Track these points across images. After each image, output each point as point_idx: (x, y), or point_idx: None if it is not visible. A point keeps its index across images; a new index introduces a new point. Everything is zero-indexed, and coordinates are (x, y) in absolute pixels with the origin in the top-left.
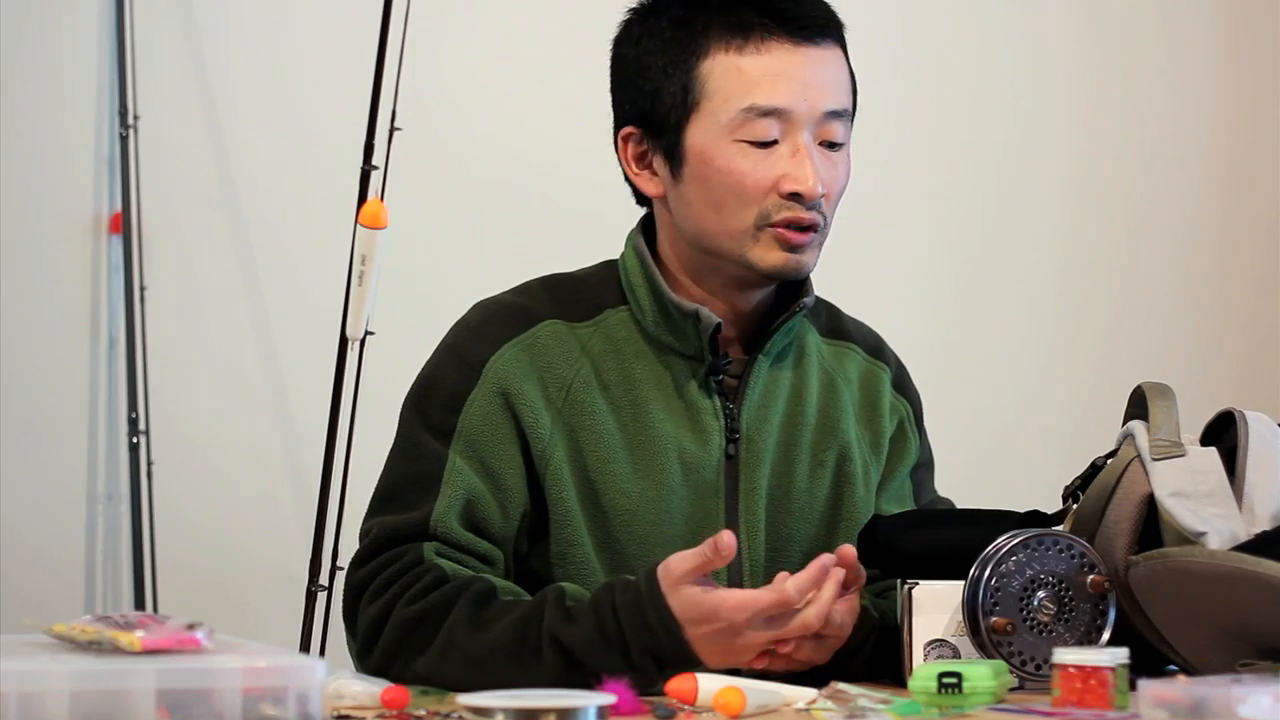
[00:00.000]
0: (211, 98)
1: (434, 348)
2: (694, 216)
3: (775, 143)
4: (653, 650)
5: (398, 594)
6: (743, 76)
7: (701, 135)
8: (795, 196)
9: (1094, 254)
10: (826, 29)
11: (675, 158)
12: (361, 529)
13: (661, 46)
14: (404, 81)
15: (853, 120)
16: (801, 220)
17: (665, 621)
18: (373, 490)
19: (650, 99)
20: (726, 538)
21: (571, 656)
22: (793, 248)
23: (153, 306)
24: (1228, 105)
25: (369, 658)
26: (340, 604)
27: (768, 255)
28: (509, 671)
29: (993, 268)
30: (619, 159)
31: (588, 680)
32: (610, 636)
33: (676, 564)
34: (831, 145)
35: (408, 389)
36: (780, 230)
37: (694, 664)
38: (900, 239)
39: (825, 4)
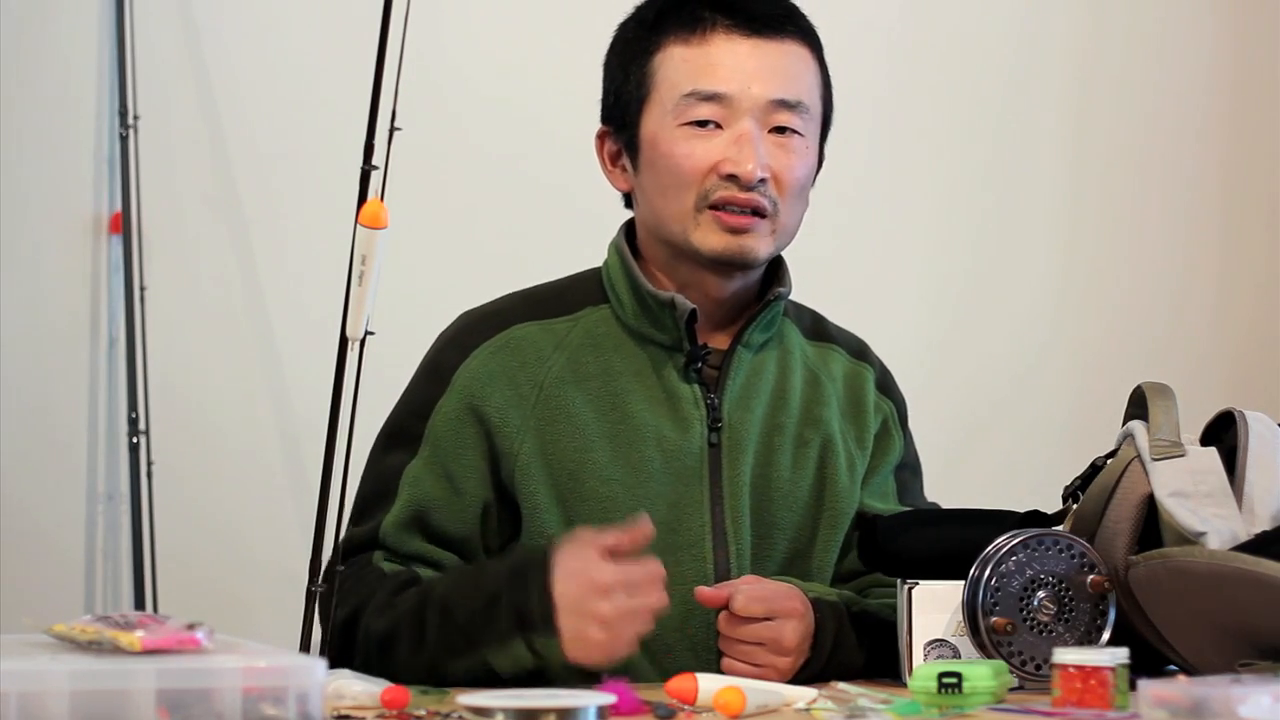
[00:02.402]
0: (211, 98)
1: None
2: (650, 204)
3: (719, 128)
4: (517, 603)
5: (339, 601)
6: (687, 65)
7: (652, 124)
8: (732, 178)
9: (1093, 254)
10: (780, 23)
11: (634, 149)
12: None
13: (625, 47)
14: (404, 81)
15: (825, 123)
16: (737, 200)
17: (539, 573)
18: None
19: (614, 96)
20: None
21: (448, 613)
22: (733, 230)
23: (153, 306)
24: (1227, 104)
25: (333, 659)
26: None
27: (708, 238)
28: (406, 647)
29: (991, 267)
30: (598, 158)
31: (463, 650)
32: (484, 584)
33: (587, 533)
34: (782, 131)
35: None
36: (717, 213)
37: (550, 625)
38: (897, 241)
39: (787, 4)
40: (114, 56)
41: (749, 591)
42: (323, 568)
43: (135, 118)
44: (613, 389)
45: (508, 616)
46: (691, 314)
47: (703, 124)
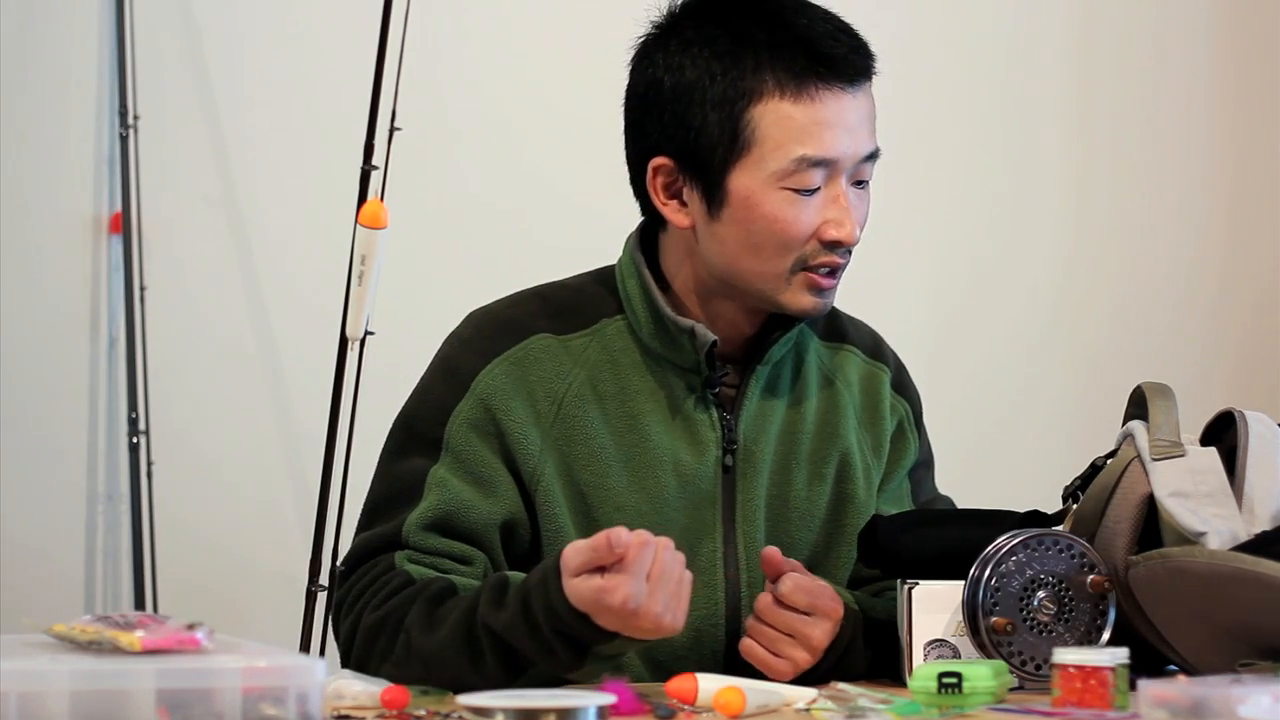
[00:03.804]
0: (211, 98)
1: (433, 349)
2: (727, 255)
3: (817, 189)
4: (567, 634)
5: (365, 603)
6: (794, 124)
7: (747, 180)
8: (834, 243)
9: (1095, 254)
10: (867, 70)
11: (715, 198)
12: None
13: (707, 80)
14: (404, 81)
15: None
16: (837, 265)
17: (572, 610)
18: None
19: (694, 135)
20: (621, 535)
21: (505, 644)
22: (823, 290)
23: (153, 306)
24: (1229, 105)
25: (349, 664)
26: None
27: (800, 298)
28: (460, 669)
29: (993, 267)
30: (648, 188)
31: (527, 670)
32: (532, 621)
33: (571, 556)
34: (860, 183)
35: (404, 402)
36: (814, 275)
37: (610, 637)
38: (901, 238)
39: (864, 43)
40: (114, 56)
41: (797, 581)
42: (323, 570)
43: (135, 118)
44: (629, 410)
45: (564, 648)
46: (713, 343)
47: (809, 191)
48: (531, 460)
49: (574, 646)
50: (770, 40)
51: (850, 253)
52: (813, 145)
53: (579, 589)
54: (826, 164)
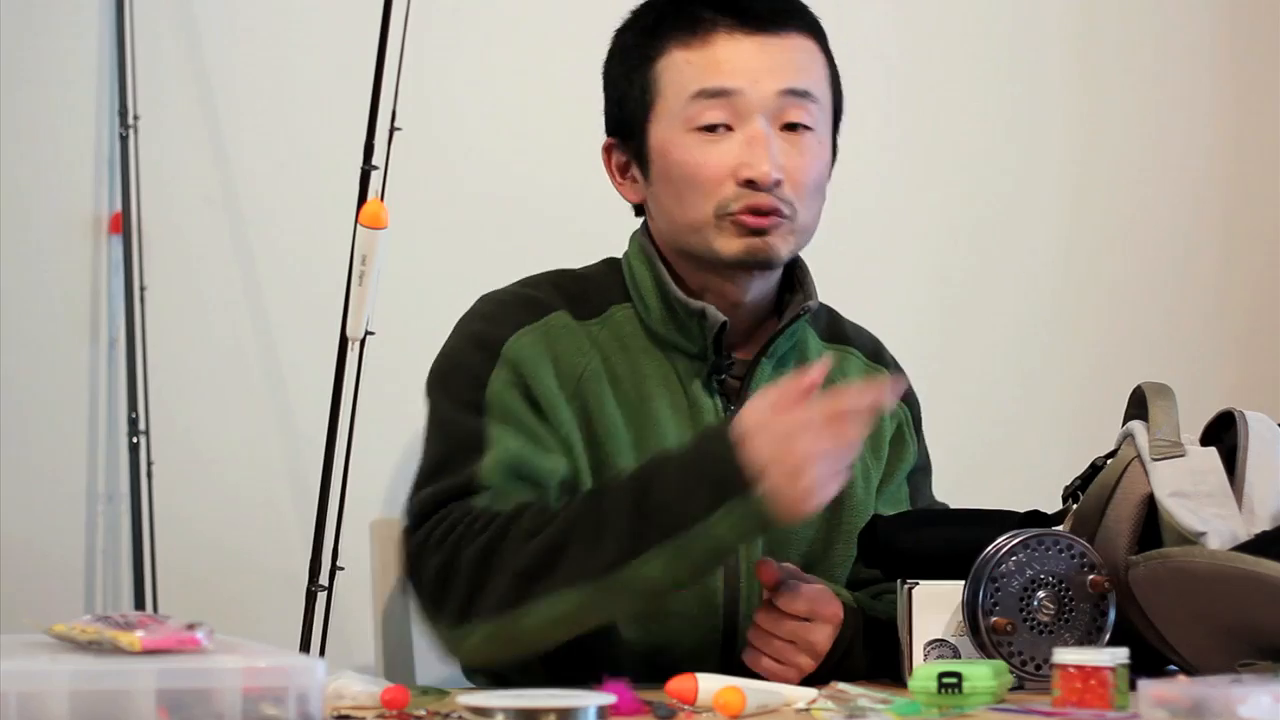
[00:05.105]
0: (211, 98)
1: (433, 349)
2: (665, 214)
3: (729, 130)
4: (714, 458)
5: (456, 540)
6: (691, 66)
7: (661, 131)
8: (751, 183)
9: (1094, 253)
10: (783, 18)
11: (643, 160)
12: (406, 506)
13: (625, 55)
14: (404, 81)
15: (836, 114)
16: (759, 206)
17: (727, 432)
18: (416, 472)
19: (618, 106)
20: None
21: (639, 485)
22: (753, 232)
23: (153, 306)
24: (1227, 105)
25: (443, 609)
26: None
27: (730, 244)
28: (579, 550)
29: (992, 267)
30: (608, 172)
31: (655, 535)
32: (681, 453)
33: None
34: (794, 128)
35: (426, 376)
36: (739, 217)
37: (756, 481)
38: (899, 238)
39: None
40: (114, 56)
41: (794, 587)
42: (323, 570)
43: (135, 118)
44: (640, 393)
45: (708, 488)
46: (721, 325)
47: (713, 128)
48: (564, 427)
49: (713, 486)
50: (677, 5)
51: (785, 199)
52: (708, 79)
53: (754, 402)
54: (725, 95)
